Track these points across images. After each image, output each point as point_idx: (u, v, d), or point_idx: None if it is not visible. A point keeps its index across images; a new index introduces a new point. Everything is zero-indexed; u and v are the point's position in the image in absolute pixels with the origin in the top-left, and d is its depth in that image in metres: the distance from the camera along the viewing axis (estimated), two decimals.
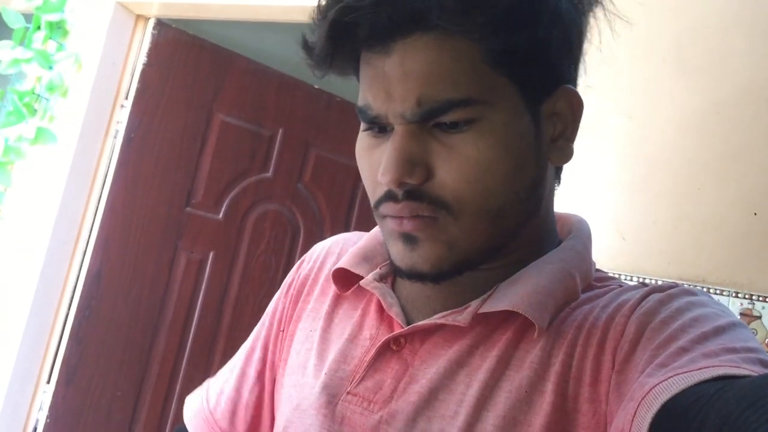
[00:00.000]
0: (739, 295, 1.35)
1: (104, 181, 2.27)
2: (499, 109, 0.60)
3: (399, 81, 0.59)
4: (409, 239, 0.62)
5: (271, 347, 0.82)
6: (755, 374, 0.46)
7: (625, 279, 1.42)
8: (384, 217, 0.64)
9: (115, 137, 2.30)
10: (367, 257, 0.74)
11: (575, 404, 0.58)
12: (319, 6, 0.62)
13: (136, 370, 2.29)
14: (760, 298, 1.34)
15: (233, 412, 0.83)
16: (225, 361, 2.56)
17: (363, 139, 0.66)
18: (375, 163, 0.63)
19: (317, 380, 0.70)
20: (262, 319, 0.86)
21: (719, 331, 0.54)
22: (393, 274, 0.74)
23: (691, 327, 0.55)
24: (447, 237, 0.62)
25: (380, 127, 0.63)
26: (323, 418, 0.67)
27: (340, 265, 0.74)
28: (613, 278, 0.70)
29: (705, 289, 1.37)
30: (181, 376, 2.37)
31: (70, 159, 2.19)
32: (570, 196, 1.47)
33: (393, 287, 0.73)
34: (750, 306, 1.35)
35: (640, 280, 1.41)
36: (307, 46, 0.64)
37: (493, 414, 0.59)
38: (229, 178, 2.50)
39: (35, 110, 2.20)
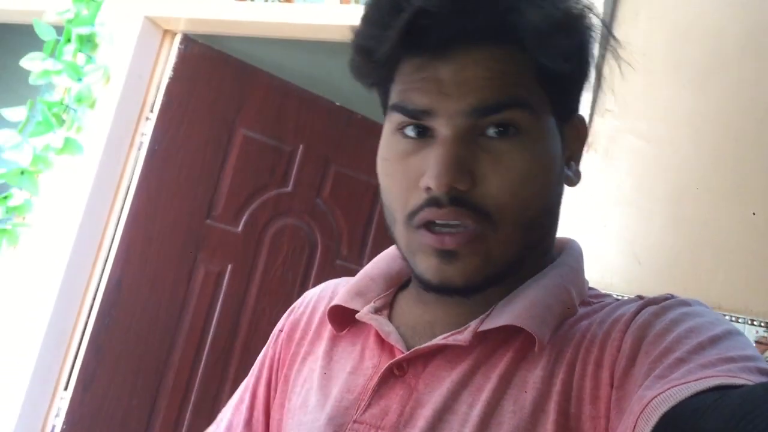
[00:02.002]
0: (755, 322, 1.35)
1: (127, 191, 2.31)
2: (542, 123, 0.63)
3: (455, 83, 0.61)
4: (447, 254, 0.62)
5: (261, 393, 0.82)
6: (752, 383, 0.47)
7: None
8: (418, 227, 0.63)
9: (139, 149, 2.34)
10: (360, 293, 0.75)
11: (578, 423, 0.58)
12: (380, 7, 0.62)
13: (153, 379, 2.32)
14: None
15: None
16: (240, 373, 2.58)
17: (396, 144, 0.65)
18: (413, 168, 0.63)
19: (321, 413, 0.69)
20: (251, 370, 0.86)
21: (715, 340, 0.54)
22: (389, 307, 0.74)
23: (687, 338, 0.55)
24: (485, 249, 0.62)
25: (419, 131, 0.64)
26: None
27: (335, 302, 0.75)
28: (606, 294, 0.72)
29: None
30: (196, 386, 2.39)
31: (95, 169, 2.23)
32: (586, 219, 1.48)
33: (390, 319, 0.73)
34: (766, 334, 1.35)
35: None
36: (366, 50, 0.64)
37: None
38: (249, 192, 2.53)
39: (63, 121, 2.25)
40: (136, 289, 2.29)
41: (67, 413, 2.16)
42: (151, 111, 2.35)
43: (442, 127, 0.62)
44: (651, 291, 1.41)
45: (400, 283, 0.78)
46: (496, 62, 0.61)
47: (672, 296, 0.63)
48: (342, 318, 0.75)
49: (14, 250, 2.27)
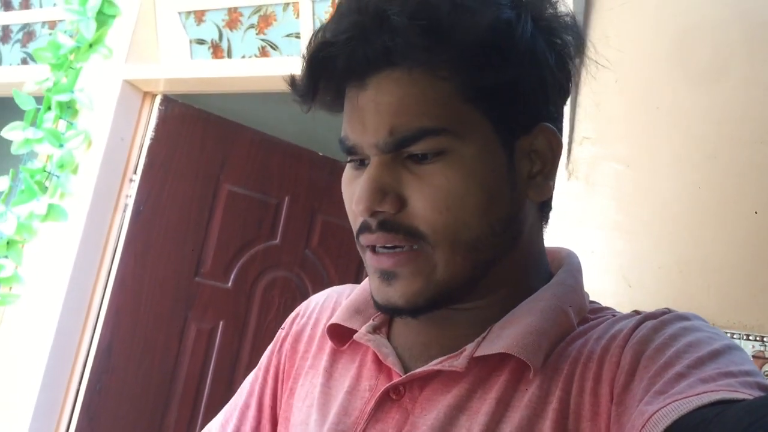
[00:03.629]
0: (750, 337, 1.34)
1: (114, 254, 2.30)
2: (470, 142, 0.61)
3: (372, 113, 0.62)
4: (386, 275, 0.63)
5: (268, 402, 0.81)
6: (753, 398, 0.47)
7: None
8: (364, 250, 0.66)
9: (124, 211, 2.34)
10: (359, 310, 0.75)
11: None
12: (308, 44, 0.65)
13: None
14: None
15: None
16: None
17: (347, 172, 0.68)
18: (354, 193, 0.64)
19: None
20: (254, 373, 0.85)
21: (715, 355, 0.54)
22: (388, 324, 0.74)
23: (686, 352, 0.55)
24: (426, 270, 0.62)
25: (361, 161, 0.65)
26: None
27: (333, 321, 0.74)
28: (606, 308, 0.70)
29: None
30: None
31: (80, 234, 2.23)
32: (573, 246, 1.47)
33: (389, 336, 0.73)
34: (762, 348, 1.34)
35: None
36: (293, 83, 0.67)
37: None
38: (237, 247, 2.52)
39: (46, 188, 2.25)
40: (127, 353, 2.26)
41: None
42: (135, 172, 2.36)
43: (370, 155, 0.63)
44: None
45: None
46: (408, 87, 0.61)
47: (669, 310, 0.63)
48: (341, 335, 0.74)
49: (1, 321, 2.24)
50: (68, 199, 2.27)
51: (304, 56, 0.65)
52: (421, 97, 0.61)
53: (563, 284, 0.68)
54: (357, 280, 2.61)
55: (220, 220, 2.49)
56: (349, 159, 0.67)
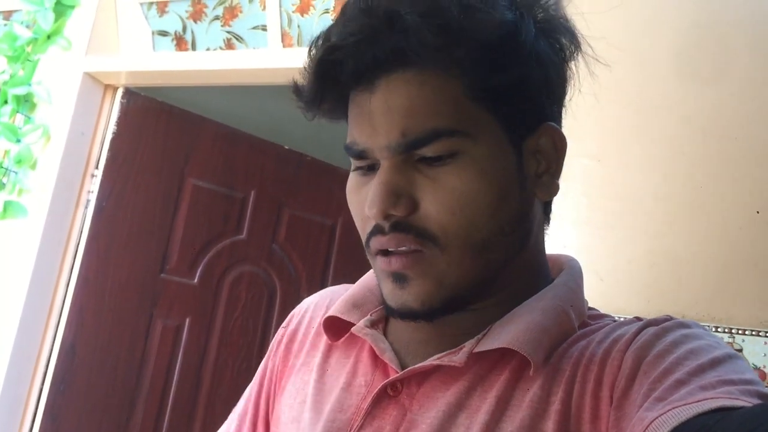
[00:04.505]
0: (719, 329, 1.37)
1: (76, 252, 2.25)
2: (482, 143, 0.62)
3: (383, 115, 0.61)
4: (398, 278, 0.63)
5: (262, 406, 0.81)
6: (751, 405, 0.47)
7: None
8: (375, 254, 0.65)
9: (86, 207, 2.28)
10: (357, 304, 0.74)
11: None
12: (309, 50, 0.64)
13: None
14: (740, 331, 1.36)
15: None
16: (206, 427, 2.49)
17: (352, 179, 0.67)
18: (363, 199, 0.64)
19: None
20: (253, 379, 0.84)
21: (715, 363, 0.54)
22: (385, 320, 0.73)
23: (687, 360, 0.55)
24: (436, 272, 0.62)
25: (369, 166, 0.65)
26: None
27: (330, 313, 0.74)
28: (606, 315, 0.71)
29: None
30: None
31: (41, 231, 2.17)
32: (547, 241, 1.48)
33: (385, 333, 0.72)
34: (730, 340, 1.36)
35: (621, 319, 1.42)
36: (297, 89, 0.66)
37: None
38: (202, 242, 2.49)
39: (3, 184, 2.18)
40: (91, 352, 2.21)
41: None
42: (96, 168, 2.30)
43: (381, 160, 0.63)
44: (615, 306, 1.42)
45: None
46: (419, 88, 0.61)
47: (671, 318, 0.63)
48: (337, 328, 0.74)
49: None
50: (27, 196, 2.21)
51: (307, 63, 0.64)
52: (432, 98, 0.61)
53: (565, 286, 0.69)
54: (324, 275, 2.60)
55: (185, 215, 2.45)
56: (355, 167, 0.66)
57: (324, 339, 0.76)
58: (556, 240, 1.50)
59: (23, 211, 2.17)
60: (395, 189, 0.61)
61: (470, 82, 0.61)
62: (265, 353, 0.85)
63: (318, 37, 0.64)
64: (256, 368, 0.85)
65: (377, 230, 0.63)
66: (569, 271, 0.72)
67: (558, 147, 0.68)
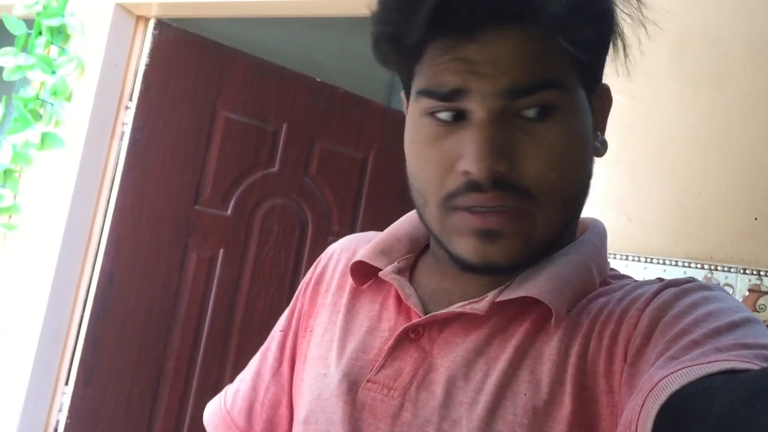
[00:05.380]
0: (747, 271, 1.36)
1: (112, 183, 2.29)
2: (575, 99, 0.63)
3: (490, 64, 0.60)
4: (487, 234, 0.62)
5: (289, 344, 0.83)
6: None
7: (633, 260, 1.43)
8: (455, 210, 0.63)
9: (121, 139, 2.32)
10: (385, 251, 0.75)
11: (593, 395, 0.58)
12: None
13: (153, 368, 2.32)
14: None
15: (249, 410, 0.85)
16: (240, 356, 2.57)
17: (427, 127, 0.64)
18: (447, 152, 0.62)
19: (338, 370, 0.71)
20: (279, 319, 0.87)
21: (733, 326, 0.54)
22: (410, 269, 0.75)
23: (704, 321, 0.55)
24: (528, 229, 0.62)
25: (454, 116, 0.62)
26: (344, 405, 0.68)
27: (358, 258, 0.75)
28: (626, 276, 0.71)
29: (713, 267, 1.37)
30: (197, 372, 2.40)
31: (78, 162, 2.21)
32: None
33: (411, 281, 0.74)
34: (758, 282, 1.35)
35: (648, 259, 1.42)
36: (386, 35, 0.63)
37: (513, 403, 0.60)
38: (235, 175, 2.51)
39: (40, 116, 2.22)
40: (128, 281, 2.28)
41: (70, 408, 2.16)
42: (130, 99, 2.32)
43: (476, 109, 0.61)
44: (643, 246, 1.41)
45: (421, 246, 0.79)
46: (527, 42, 0.60)
47: (694, 279, 0.63)
48: (364, 274, 0.76)
49: (2, 252, 2.25)
50: (63, 127, 2.24)
51: (404, 6, 0.61)
52: (539, 51, 0.61)
53: (590, 243, 0.70)
54: (356, 208, 2.62)
55: (217, 147, 2.46)
56: (430, 111, 0.63)
57: (350, 281, 0.77)
58: None
59: (60, 142, 2.21)
60: (499, 144, 0.60)
61: (566, 38, 0.60)
62: (296, 284, 0.87)
63: None
64: (288, 299, 0.87)
65: (473, 187, 0.61)
66: (594, 230, 0.73)
67: (606, 106, 0.70)
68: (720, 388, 0.44)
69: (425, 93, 0.63)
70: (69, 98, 2.24)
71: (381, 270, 0.73)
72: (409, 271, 0.75)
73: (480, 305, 0.64)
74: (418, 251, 0.78)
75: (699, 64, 1.44)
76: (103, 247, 2.24)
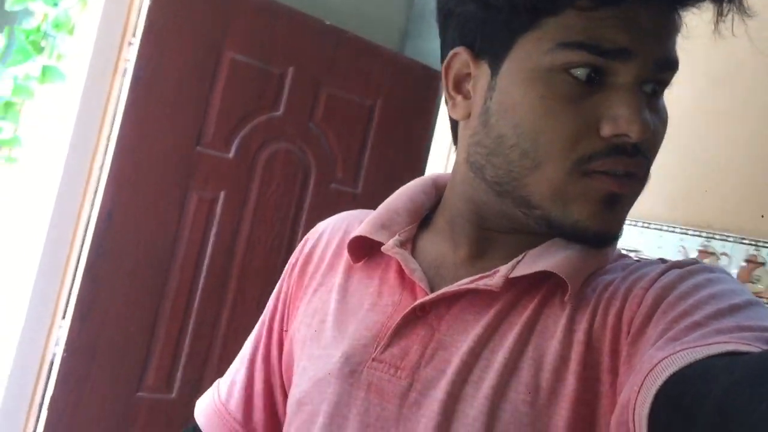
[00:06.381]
0: (745, 241, 1.33)
1: (113, 119, 2.27)
2: None
3: (653, 28, 0.60)
4: (612, 200, 0.61)
5: (277, 327, 0.82)
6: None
7: (629, 224, 1.40)
8: (590, 173, 0.61)
9: (123, 75, 2.28)
10: (384, 225, 0.74)
11: (597, 373, 0.58)
12: None
13: (150, 307, 2.33)
14: (766, 245, 1.32)
15: (247, 402, 0.83)
16: (237, 300, 2.57)
17: (561, 84, 0.61)
18: (587, 112, 0.60)
19: (337, 350, 0.69)
20: (267, 304, 0.86)
21: (735, 309, 0.54)
22: (412, 242, 0.73)
23: (707, 303, 0.55)
24: (635, 198, 0.64)
25: (591, 75, 0.60)
26: (349, 387, 0.67)
27: (358, 233, 0.73)
28: (627, 255, 0.72)
29: (710, 235, 1.35)
30: (194, 313, 2.41)
31: (79, 97, 2.18)
32: None
33: (413, 253, 0.72)
34: (755, 252, 1.32)
35: (645, 224, 1.39)
36: None
37: (518, 380, 0.60)
38: (239, 117, 2.48)
39: (42, 48, 2.18)
40: (128, 219, 2.28)
41: (67, 342, 2.19)
42: (134, 36, 2.28)
43: (628, 73, 0.60)
44: (641, 211, 1.38)
45: (421, 217, 0.77)
46: (675, 16, 0.62)
47: (697, 261, 0.63)
48: (361, 249, 0.74)
49: (2, 184, 2.25)
50: (65, 61, 2.21)
51: None
52: (678, 27, 0.64)
53: None
54: (360, 156, 2.59)
55: (221, 88, 2.43)
56: (569, 66, 0.60)
57: (343, 260, 0.76)
58: None
59: (61, 75, 2.18)
60: (648, 111, 0.61)
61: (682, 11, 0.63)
62: (297, 231, 0.86)
63: None
64: (289, 246, 0.87)
65: (619, 151, 0.60)
66: None
67: None
68: (720, 370, 0.44)
69: (579, 46, 0.59)
70: (71, 31, 2.20)
71: (383, 244, 0.71)
72: (410, 243, 0.73)
73: (494, 281, 0.63)
74: (418, 223, 0.77)
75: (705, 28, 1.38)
76: (102, 184, 2.23)
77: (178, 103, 2.35)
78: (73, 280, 2.22)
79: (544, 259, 0.63)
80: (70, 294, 2.22)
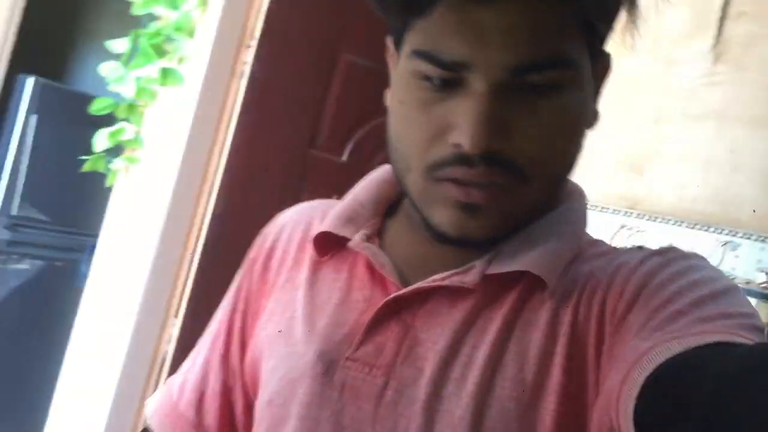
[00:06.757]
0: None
1: (229, 122, 2.29)
2: (582, 76, 0.60)
3: (502, 33, 0.56)
4: (469, 208, 0.60)
5: (237, 325, 0.78)
6: (750, 341, 0.47)
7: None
8: (441, 181, 0.60)
9: (241, 78, 2.30)
10: (350, 219, 0.71)
11: (582, 364, 0.58)
12: None
13: None
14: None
15: (199, 401, 0.79)
16: None
17: (417, 89, 0.61)
18: (437, 119, 0.59)
19: (309, 348, 0.66)
20: (223, 302, 0.81)
21: (716, 295, 0.54)
22: (378, 235, 0.70)
23: (688, 291, 0.55)
24: (511, 205, 0.61)
25: (448, 81, 0.58)
26: (321, 387, 0.64)
27: (323, 228, 0.71)
28: (600, 240, 0.69)
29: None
30: None
31: (196, 99, 2.22)
32: (709, 140, 1.28)
33: (381, 247, 0.69)
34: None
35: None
36: None
37: (503, 376, 0.59)
38: (354, 120, 2.44)
39: (165, 51, 2.23)
40: (240, 220, 2.28)
41: (178, 340, 2.22)
42: (252, 38, 2.29)
43: (477, 80, 0.57)
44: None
45: (386, 208, 0.75)
46: (542, 11, 0.57)
47: (675, 248, 0.62)
48: (327, 244, 0.71)
49: (122, 183, 2.33)
50: (187, 64, 2.25)
51: None
52: (553, 24, 0.58)
53: (576, 211, 0.68)
54: None
55: (337, 91, 2.40)
56: (423, 76, 0.60)
57: (308, 255, 0.72)
58: (723, 142, 1.28)
59: (180, 78, 2.23)
60: (496, 121, 0.57)
61: (578, 11, 0.58)
62: None
63: None
64: None
65: (461, 160, 0.58)
66: (578, 197, 0.70)
67: (607, 74, 0.67)
68: (710, 363, 0.44)
69: (424, 55, 0.59)
70: (191, 34, 2.24)
71: (348, 240, 0.69)
72: (377, 236, 0.71)
73: (469, 278, 0.62)
74: (383, 215, 0.74)
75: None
76: (217, 184, 2.25)
77: (293, 105, 2.34)
78: (186, 279, 2.26)
79: (521, 254, 0.61)
80: (183, 293, 2.25)
